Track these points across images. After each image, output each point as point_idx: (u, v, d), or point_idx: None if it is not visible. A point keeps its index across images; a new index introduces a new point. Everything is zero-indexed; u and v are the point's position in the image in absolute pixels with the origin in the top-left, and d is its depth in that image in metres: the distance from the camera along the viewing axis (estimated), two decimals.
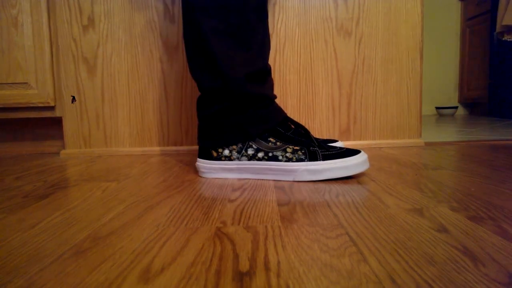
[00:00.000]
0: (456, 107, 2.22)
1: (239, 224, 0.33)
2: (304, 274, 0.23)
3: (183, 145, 0.86)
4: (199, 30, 0.50)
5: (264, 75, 0.55)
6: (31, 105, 0.85)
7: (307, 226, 0.32)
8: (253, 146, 0.52)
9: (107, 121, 0.85)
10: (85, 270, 0.25)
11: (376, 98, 0.85)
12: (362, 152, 0.51)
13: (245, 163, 0.53)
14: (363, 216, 0.35)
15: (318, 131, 0.85)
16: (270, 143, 0.52)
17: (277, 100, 0.84)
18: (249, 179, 0.54)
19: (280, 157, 0.51)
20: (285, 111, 0.84)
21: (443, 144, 0.87)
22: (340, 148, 0.52)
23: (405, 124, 0.85)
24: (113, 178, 0.57)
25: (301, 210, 0.37)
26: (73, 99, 0.84)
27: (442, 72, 2.43)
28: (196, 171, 0.62)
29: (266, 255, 0.26)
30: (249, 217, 0.35)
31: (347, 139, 0.85)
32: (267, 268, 0.24)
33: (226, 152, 0.53)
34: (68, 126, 0.86)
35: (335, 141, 0.72)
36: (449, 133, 1.13)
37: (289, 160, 0.51)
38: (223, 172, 0.54)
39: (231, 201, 0.42)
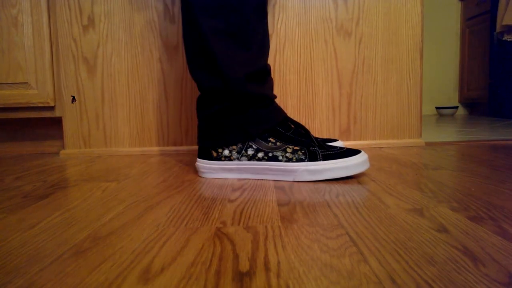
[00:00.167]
0: (456, 107, 2.22)
1: (239, 224, 0.33)
2: (304, 274, 0.23)
3: (183, 145, 0.86)
4: (199, 30, 0.50)
5: (264, 75, 0.55)
6: (31, 105, 0.85)
7: (307, 226, 0.32)
8: (253, 146, 0.52)
9: (107, 121, 0.85)
10: (85, 270, 0.25)
11: (376, 98, 0.85)
12: (363, 152, 0.51)
13: (245, 163, 0.53)
14: (363, 216, 0.34)
15: (318, 131, 0.85)
16: (270, 143, 0.52)
17: (277, 100, 0.84)
18: (249, 179, 0.53)
19: (280, 157, 0.51)
20: (285, 111, 0.84)
21: (443, 144, 0.87)
22: (340, 148, 0.52)
23: (405, 124, 0.85)
24: (113, 178, 0.57)
25: (301, 210, 0.37)
26: (73, 99, 0.84)
27: (442, 72, 2.43)
28: (196, 171, 0.61)
29: (266, 255, 0.26)
30: (249, 217, 0.35)
31: (347, 139, 0.85)
32: (267, 268, 0.24)
33: (226, 152, 0.53)
34: (68, 126, 0.86)
35: (335, 140, 0.72)
36: (449, 133, 1.13)
37: (289, 160, 0.51)
38: (223, 172, 0.54)
39: (231, 201, 0.42)
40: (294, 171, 0.50)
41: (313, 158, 0.50)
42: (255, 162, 0.52)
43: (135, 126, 0.86)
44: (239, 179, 0.54)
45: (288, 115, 0.84)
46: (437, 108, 2.26)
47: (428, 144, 0.87)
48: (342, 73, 0.84)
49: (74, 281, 0.23)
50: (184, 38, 0.54)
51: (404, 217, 0.34)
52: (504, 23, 1.57)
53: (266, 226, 0.32)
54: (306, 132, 0.54)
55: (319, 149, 0.50)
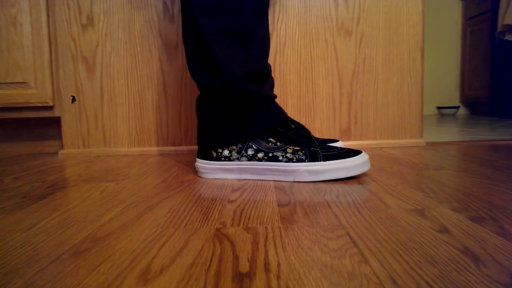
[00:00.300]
0: (457, 107, 2.22)
1: (239, 225, 0.33)
2: (305, 275, 0.23)
3: (182, 145, 0.86)
4: (199, 30, 0.50)
5: (264, 74, 0.54)
6: (30, 105, 0.85)
7: (308, 227, 0.32)
8: (253, 146, 0.52)
9: (106, 121, 0.85)
10: (84, 271, 0.25)
11: (377, 97, 0.84)
12: (363, 153, 0.51)
13: (245, 164, 0.53)
14: (364, 216, 0.34)
15: (319, 131, 0.85)
16: (270, 143, 0.52)
17: (277, 100, 0.84)
18: (249, 179, 0.53)
19: (281, 158, 0.51)
20: (286, 111, 0.84)
21: (444, 144, 0.86)
22: (341, 148, 0.51)
23: (406, 124, 0.85)
24: (112, 179, 0.57)
25: (301, 210, 0.37)
26: (73, 99, 0.84)
27: (443, 71, 2.43)
28: (195, 171, 0.61)
29: (266, 256, 0.26)
30: (249, 218, 0.35)
31: (348, 139, 0.85)
32: (267, 270, 0.24)
33: (226, 152, 0.53)
34: (66, 126, 0.85)
35: (336, 141, 0.72)
36: (450, 133, 1.13)
37: (289, 160, 0.50)
38: (222, 172, 0.54)
39: (230, 201, 0.41)
40: (295, 171, 0.50)
41: (313, 158, 0.50)
42: (255, 162, 0.52)
43: (134, 126, 0.85)
44: (239, 180, 0.53)
45: (289, 115, 0.84)
46: (438, 108, 2.26)
47: (429, 144, 0.87)
48: (343, 73, 0.84)
49: (73, 282, 0.23)
50: (184, 37, 0.54)
51: (405, 217, 0.34)
52: (505, 22, 1.57)
53: (266, 227, 0.32)
54: (307, 132, 0.54)
55: (319, 149, 0.50)
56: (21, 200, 0.45)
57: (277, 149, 0.51)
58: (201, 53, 0.52)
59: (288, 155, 0.51)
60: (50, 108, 0.87)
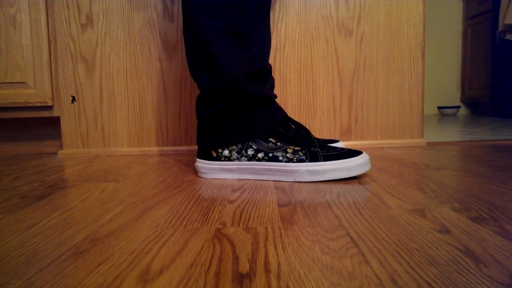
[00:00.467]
0: (458, 107, 2.22)
1: (239, 225, 0.33)
2: (305, 275, 0.23)
3: (182, 145, 0.86)
4: (199, 30, 0.50)
5: (265, 74, 0.54)
6: (29, 105, 0.85)
7: (308, 227, 0.32)
8: (253, 146, 0.52)
9: (106, 120, 0.85)
10: (83, 271, 0.25)
11: (378, 97, 0.84)
12: (364, 153, 0.51)
13: (245, 164, 0.52)
14: (365, 217, 0.34)
15: (319, 131, 0.85)
16: (270, 144, 0.51)
17: (277, 100, 0.84)
18: (249, 179, 0.53)
19: (281, 158, 0.51)
20: (286, 111, 0.84)
21: (445, 144, 0.86)
22: (342, 148, 0.51)
23: (407, 124, 0.85)
24: (111, 179, 0.57)
25: (301, 211, 0.37)
26: (73, 99, 0.84)
27: (444, 71, 2.43)
28: (195, 171, 0.61)
29: (266, 257, 0.26)
30: (249, 218, 0.35)
31: (348, 139, 0.85)
32: (267, 270, 0.24)
33: (226, 152, 0.53)
34: (66, 126, 0.85)
35: (336, 141, 0.72)
36: (451, 133, 1.13)
37: (289, 160, 0.50)
38: (222, 172, 0.54)
39: (230, 202, 0.41)
40: (295, 171, 0.50)
41: (314, 158, 0.49)
42: (255, 162, 0.52)
43: (134, 126, 0.85)
44: (239, 180, 0.53)
45: (289, 114, 0.83)
46: (439, 107, 2.26)
47: (430, 144, 0.87)
48: (343, 72, 0.84)
49: (72, 282, 0.23)
50: (184, 37, 0.54)
51: (405, 217, 0.34)
52: (506, 22, 1.56)
53: (266, 227, 0.32)
54: (307, 132, 0.54)
55: (320, 149, 0.50)
56: (20, 200, 0.45)
57: (277, 149, 0.51)
58: (201, 53, 0.51)
59: (288, 155, 0.50)
60: (50, 108, 0.87)
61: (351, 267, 0.24)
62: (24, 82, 0.85)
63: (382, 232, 0.30)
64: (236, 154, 0.53)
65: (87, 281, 0.23)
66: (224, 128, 0.53)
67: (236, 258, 0.26)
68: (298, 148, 0.50)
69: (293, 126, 0.54)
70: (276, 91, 0.84)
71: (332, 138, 0.85)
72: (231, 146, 0.53)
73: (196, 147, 0.86)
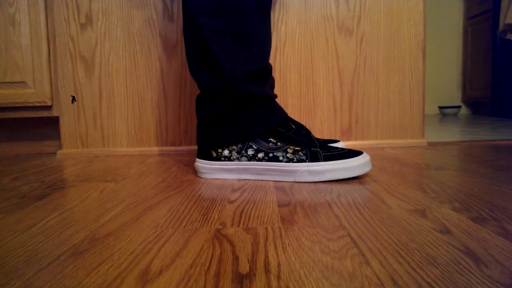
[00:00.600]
0: (459, 107, 2.22)
1: (238, 225, 0.33)
2: (305, 276, 0.23)
3: (182, 145, 0.86)
4: (199, 29, 0.50)
5: (265, 74, 0.54)
6: (28, 105, 0.85)
7: (308, 228, 0.32)
8: (253, 146, 0.52)
9: (105, 120, 0.85)
10: (83, 272, 0.25)
11: (378, 97, 0.84)
12: (364, 154, 0.51)
13: (245, 164, 0.52)
14: (365, 217, 0.34)
15: (319, 131, 0.84)
16: (270, 144, 0.51)
17: (277, 100, 0.84)
18: (249, 179, 0.53)
19: (281, 158, 0.51)
20: (286, 111, 0.84)
21: (446, 144, 0.86)
22: (342, 148, 0.51)
23: (408, 124, 0.85)
24: (111, 179, 0.57)
25: (301, 211, 0.37)
26: (73, 99, 0.84)
27: (445, 71, 2.42)
28: (195, 171, 0.61)
29: (266, 257, 0.26)
30: (249, 218, 0.35)
31: (349, 139, 0.85)
32: (267, 270, 0.24)
33: (226, 152, 0.53)
34: (65, 126, 0.85)
35: (337, 141, 0.72)
36: (452, 133, 1.13)
37: (290, 160, 0.50)
38: (222, 172, 0.54)
39: (230, 202, 0.41)
40: (295, 171, 0.50)
41: (314, 158, 0.49)
42: (255, 162, 0.52)
43: (133, 126, 0.85)
44: (239, 180, 0.53)
45: (289, 114, 0.83)
46: (439, 107, 2.26)
47: (431, 144, 0.87)
48: (344, 72, 0.83)
49: (72, 282, 0.23)
50: (184, 37, 0.54)
51: (406, 218, 0.33)
52: (507, 21, 1.56)
53: (266, 227, 0.32)
54: (307, 132, 0.54)
55: (320, 149, 0.50)
56: (20, 200, 0.45)
57: (277, 149, 0.51)
58: (201, 53, 0.51)
59: (288, 155, 0.50)
60: (49, 107, 0.87)
61: (352, 268, 0.24)
62: (24, 82, 0.84)
63: (383, 232, 0.30)
64: (236, 154, 0.52)
65: (87, 281, 0.23)
66: (224, 128, 0.52)
67: (236, 258, 0.26)
68: (299, 148, 0.50)
69: (293, 126, 0.54)
70: (276, 91, 0.84)
71: (333, 138, 0.85)
72: (231, 146, 0.53)
73: (195, 147, 0.86)
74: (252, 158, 0.52)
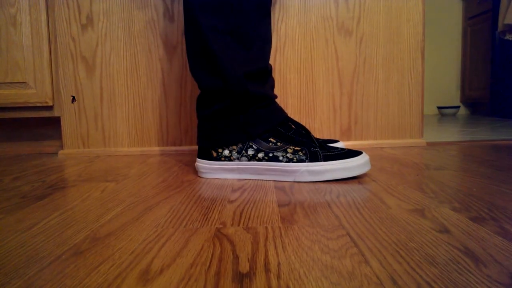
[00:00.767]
0: (458, 107, 2.22)
1: (239, 225, 0.33)
2: (305, 275, 0.23)
3: (182, 145, 0.86)
4: (199, 29, 0.50)
5: (265, 74, 0.54)
6: (29, 105, 0.85)
7: (308, 227, 0.32)
8: (253, 146, 0.52)
9: (106, 121, 0.85)
10: (84, 271, 0.25)
11: (378, 97, 0.84)
12: (364, 154, 0.51)
13: (245, 164, 0.53)
14: (364, 216, 0.34)
15: (319, 131, 0.85)
16: (270, 143, 0.52)
17: (277, 100, 0.84)
18: (249, 179, 0.53)
19: (281, 158, 0.51)
20: (286, 111, 0.84)
21: (445, 144, 0.86)
22: (342, 148, 0.51)
23: (407, 124, 0.85)
24: (111, 179, 0.57)
25: (301, 210, 0.37)
26: (73, 99, 0.84)
27: (444, 71, 2.43)
28: (195, 171, 0.61)
29: (266, 256, 0.26)
30: (249, 218, 0.35)
31: (348, 139, 0.85)
32: (267, 270, 0.24)
33: (226, 152, 0.53)
34: (66, 126, 0.85)
35: (336, 141, 0.72)
36: (451, 133, 1.13)
37: (289, 160, 0.50)
38: (223, 172, 0.54)
39: (230, 201, 0.41)
40: (295, 171, 0.50)
41: (314, 158, 0.50)
42: (255, 162, 0.52)
43: (134, 126, 0.85)
44: (239, 180, 0.53)
45: (289, 115, 0.83)
46: (438, 108, 2.26)
47: (430, 144, 0.87)
48: (343, 73, 0.84)
49: (73, 282, 0.23)
50: (185, 36, 0.54)
51: (405, 217, 0.34)
52: (506, 22, 1.56)
53: (266, 227, 0.32)
54: (307, 132, 0.54)
55: (320, 149, 0.50)
56: (20, 200, 0.45)
57: (277, 149, 0.51)
58: (201, 53, 0.51)
59: (288, 155, 0.50)
60: (50, 108, 0.87)
61: (351, 267, 0.24)
62: (25, 82, 0.85)
63: (382, 232, 0.30)
64: (236, 154, 0.53)
65: (88, 280, 0.23)
66: (224, 128, 0.53)
67: (236, 257, 0.26)
68: (298, 148, 0.50)
69: (293, 126, 0.54)
70: (276, 91, 0.84)
71: (332, 138, 0.85)
72: (231, 146, 0.53)
73: (196, 147, 0.86)
74: (252, 158, 0.52)
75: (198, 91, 0.84)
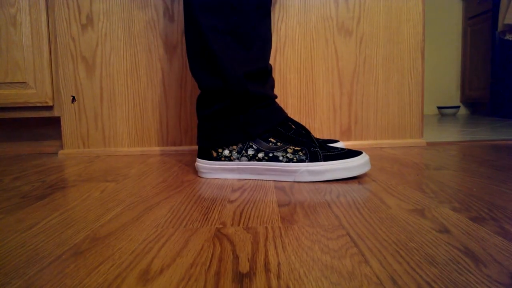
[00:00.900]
0: (458, 107, 2.22)
1: (239, 225, 0.33)
2: (305, 275, 0.23)
3: (182, 145, 0.86)
4: (199, 29, 0.50)
5: (265, 74, 0.54)
6: (29, 105, 0.85)
7: (308, 227, 0.32)
8: (253, 146, 0.52)
9: (106, 121, 0.85)
10: (84, 271, 0.25)
11: (378, 97, 0.84)
12: (364, 154, 0.51)
13: (245, 164, 0.53)
14: (364, 216, 0.34)
15: (319, 131, 0.85)
16: (270, 143, 0.52)
17: (277, 100, 0.84)
18: (249, 179, 0.53)
19: (281, 158, 0.51)
20: (286, 111, 0.84)
21: (445, 144, 0.86)
22: (342, 148, 0.51)
23: (407, 124, 0.85)
24: (112, 179, 0.57)
25: (301, 210, 0.37)
26: (73, 99, 0.84)
27: (444, 71, 2.43)
28: (195, 171, 0.61)
29: (266, 256, 0.26)
30: (249, 218, 0.35)
31: (348, 139, 0.85)
32: (267, 270, 0.24)
33: (226, 152, 0.53)
34: (66, 126, 0.85)
35: (336, 141, 0.72)
36: (451, 133, 1.13)
37: (289, 160, 0.50)
38: (223, 172, 0.54)
39: (231, 201, 0.41)
40: (295, 171, 0.50)
41: (314, 158, 0.50)
42: (256, 162, 0.52)
43: (134, 126, 0.85)
44: (239, 180, 0.53)
45: (289, 115, 0.83)
46: (438, 108, 2.26)
47: (430, 144, 0.87)
48: (343, 73, 0.84)
49: (73, 282, 0.23)
50: (185, 36, 0.54)
51: (405, 217, 0.34)
52: (506, 22, 1.56)
53: (266, 227, 0.32)
54: (307, 132, 0.54)
55: (320, 149, 0.50)
56: (20, 200, 0.45)
57: (277, 149, 0.51)
58: (201, 53, 0.52)
59: (288, 155, 0.50)
60: (50, 108, 0.87)
61: (351, 267, 0.24)
62: (25, 82, 0.85)
63: (382, 232, 0.30)
64: (236, 154, 0.53)
65: (88, 280, 0.23)
66: (224, 128, 0.53)
67: (236, 257, 0.26)
68: (298, 148, 0.50)
69: (293, 126, 0.54)
70: (276, 91, 0.84)
71: (332, 138, 0.85)
72: (231, 146, 0.53)
73: (196, 147, 0.86)
74: (252, 158, 0.52)
75: (198, 91, 0.84)
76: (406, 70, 0.84)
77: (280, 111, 0.54)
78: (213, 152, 0.54)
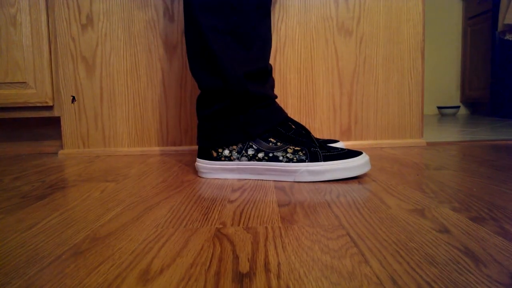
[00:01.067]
0: (458, 107, 2.22)
1: (239, 225, 0.33)
2: (305, 275, 0.23)
3: (182, 145, 0.86)
4: (199, 29, 0.50)
5: (265, 74, 0.54)
6: (29, 105, 0.85)
7: (308, 227, 0.32)
8: (254, 146, 0.52)
9: (106, 121, 0.85)
10: (84, 271, 0.25)
11: (378, 97, 0.84)
12: (364, 154, 0.51)
13: (245, 164, 0.53)
14: (364, 216, 0.34)
15: (319, 131, 0.85)
16: (270, 143, 0.52)
17: (277, 100, 0.84)
18: (249, 179, 0.53)
19: (281, 158, 0.51)
20: (286, 111, 0.84)
21: (445, 144, 0.86)
22: (341, 148, 0.51)
23: (407, 124, 0.85)
24: (112, 179, 0.57)
25: (301, 210, 0.37)
26: (73, 99, 0.84)
27: (444, 71, 2.43)
28: (195, 171, 0.61)
29: (266, 256, 0.26)
30: (249, 218, 0.35)
31: (348, 139, 0.85)
32: (267, 270, 0.24)
33: (226, 152, 0.53)
34: (66, 126, 0.85)
35: (336, 141, 0.72)
36: (451, 133, 1.13)
37: (289, 160, 0.50)
38: (223, 172, 0.54)
39: (231, 201, 0.41)
40: (295, 171, 0.50)
41: (314, 158, 0.50)
42: (256, 162, 0.52)
43: (134, 126, 0.85)
44: (239, 180, 0.53)
45: (289, 115, 0.83)
46: (438, 107, 2.26)
47: (430, 144, 0.87)
48: (343, 73, 0.84)
49: (73, 282, 0.23)
50: (185, 36, 0.54)
51: (405, 217, 0.34)
52: (506, 22, 1.56)
53: (266, 227, 0.32)
54: (307, 132, 0.54)
55: (320, 150, 0.50)
56: (20, 200, 0.45)
57: (277, 149, 0.51)
58: (201, 53, 0.52)
59: (288, 155, 0.50)
60: (50, 108, 0.87)
61: (351, 267, 0.24)
62: (25, 82, 0.85)
63: (382, 232, 0.30)
64: (236, 154, 0.53)
65: (88, 280, 0.23)
66: (224, 128, 0.53)
67: (236, 257, 0.26)
68: (298, 148, 0.50)
69: (293, 126, 0.54)
70: (276, 91, 0.84)
71: (332, 138, 0.85)
72: (232, 146, 0.53)
73: (196, 147, 0.86)
74: (252, 158, 0.52)
75: (198, 91, 0.84)
76: (406, 70, 0.84)
77: (280, 111, 0.54)
78: (213, 152, 0.54)
